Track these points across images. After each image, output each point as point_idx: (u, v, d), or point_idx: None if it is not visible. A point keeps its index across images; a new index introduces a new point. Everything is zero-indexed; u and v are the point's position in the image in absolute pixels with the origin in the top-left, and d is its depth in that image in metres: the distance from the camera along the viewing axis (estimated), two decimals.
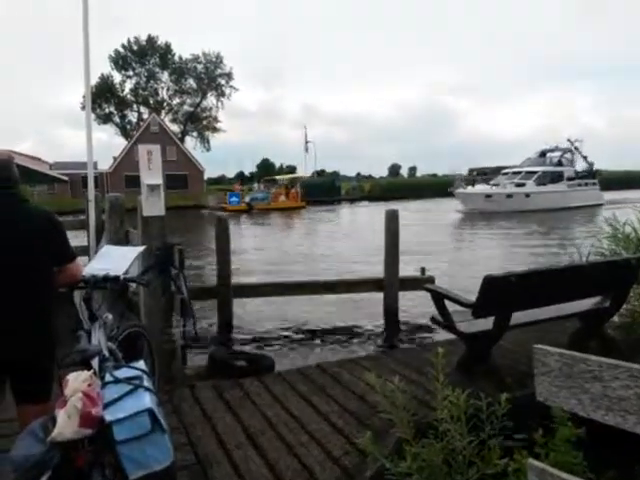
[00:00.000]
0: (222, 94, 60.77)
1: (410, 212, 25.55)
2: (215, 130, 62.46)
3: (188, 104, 61.43)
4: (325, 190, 45.95)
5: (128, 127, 60.09)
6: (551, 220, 24.18)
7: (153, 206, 3.93)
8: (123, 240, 5.74)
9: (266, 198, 37.84)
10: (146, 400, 1.86)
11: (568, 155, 36.08)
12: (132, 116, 61.10)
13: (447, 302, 3.90)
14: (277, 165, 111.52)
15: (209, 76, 59.60)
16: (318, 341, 6.48)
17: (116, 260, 3.02)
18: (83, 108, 55.58)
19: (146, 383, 1.99)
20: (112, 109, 58.78)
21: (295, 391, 3.85)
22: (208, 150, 62.91)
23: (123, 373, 2.05)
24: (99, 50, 53.14)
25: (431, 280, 7.64)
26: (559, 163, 34.68)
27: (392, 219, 7.32)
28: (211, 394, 3.83)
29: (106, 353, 2.69)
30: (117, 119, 60.03)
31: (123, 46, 58.12)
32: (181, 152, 51.29)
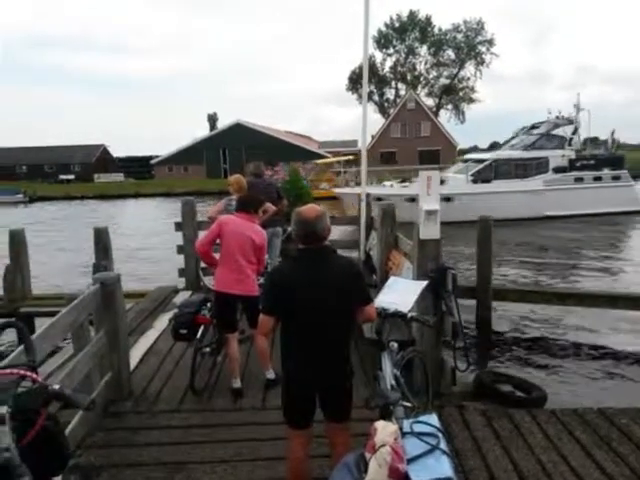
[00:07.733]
0: (481, 62, 58.21)
1: None
2: (471, 101, 60.52)
3: (444, 76, 60.81)
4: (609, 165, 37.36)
5: (385, 104, 62.99)
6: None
7: (430, 230, 4.09)
8: (392, 243, 6.20)
9: None
10: (446, 467, 2.01)
11: (562, 130, 20.79)
12: (389, 93, 63.74)
13: None
14: None
15: (468, 45, 57.61)
16: (595, 369, 5.75)
17: (402, 294, 3.28)
18: (347, 89, 60.65)
19: (442, 444, 2.13)
20: (372, 88, 62.28)
21: (573, 437, 3.58)
22: (462, 122, 61.54)
23: (420, 427, 2.24)
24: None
25: None
26: (560, 143, 20.56)
27: None
28: (480, 420, 3.86)
29: (393, 382, 2.99)
30: (376, 97, 63.40)
31: (385, 24, 60.59)
32: (435, 127, 51.43)
